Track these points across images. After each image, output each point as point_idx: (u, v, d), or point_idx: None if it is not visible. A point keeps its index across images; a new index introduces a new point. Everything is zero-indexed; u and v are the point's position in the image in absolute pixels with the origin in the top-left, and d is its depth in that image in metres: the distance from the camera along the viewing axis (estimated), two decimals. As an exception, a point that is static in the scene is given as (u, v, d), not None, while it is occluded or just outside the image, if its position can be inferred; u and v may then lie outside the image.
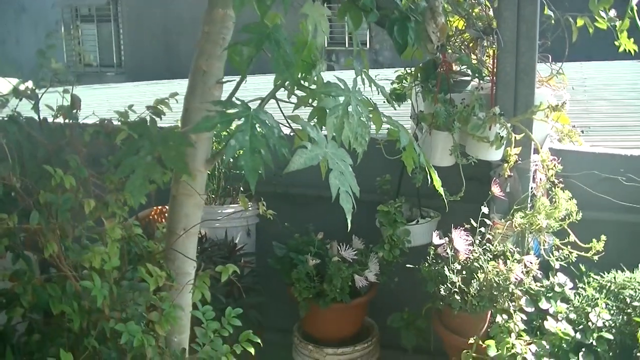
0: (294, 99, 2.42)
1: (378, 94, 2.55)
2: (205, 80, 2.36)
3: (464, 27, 4.01)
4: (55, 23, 19.31)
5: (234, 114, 2.04)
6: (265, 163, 2.00)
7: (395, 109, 2.82)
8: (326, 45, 16.48)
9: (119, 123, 2.48)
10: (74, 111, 2.57)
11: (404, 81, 4.23)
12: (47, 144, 2.44)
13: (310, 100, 2.34)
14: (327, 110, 2.17)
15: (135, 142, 2.19)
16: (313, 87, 2.37)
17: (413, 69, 4.07)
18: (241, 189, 4.41)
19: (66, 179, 2.21)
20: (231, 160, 4.16)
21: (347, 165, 2.11)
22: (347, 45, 16.23)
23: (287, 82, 2.25)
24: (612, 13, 3.77)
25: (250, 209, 4.35)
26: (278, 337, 4.35)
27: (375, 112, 2.42)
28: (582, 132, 4.09)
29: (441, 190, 2.63)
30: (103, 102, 8.18)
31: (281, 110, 2.32)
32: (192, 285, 2.40)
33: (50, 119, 2.70)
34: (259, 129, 2.03)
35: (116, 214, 2.35)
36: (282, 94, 2.39)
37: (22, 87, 2.65)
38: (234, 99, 2.20)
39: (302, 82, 2.33)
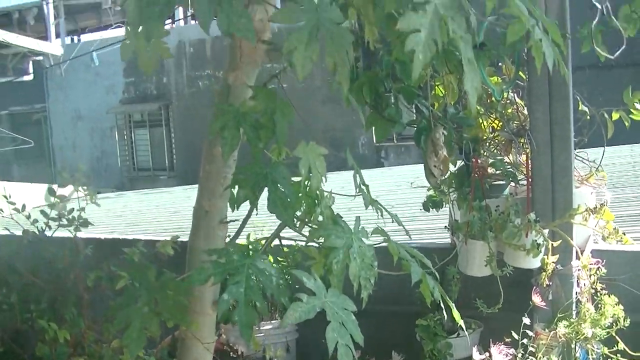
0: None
1: (392, 222, 2.47)
2: (209, 220, 2.30)
3: (498, 128, 3.91)
4: (110, 129, 19.89)
5: (229, 265, 1.97)
6: (260, 315, 1.93)
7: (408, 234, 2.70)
8: (375, 142, 16.33)
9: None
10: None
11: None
12: (52, 289, 2.40)
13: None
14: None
15: (133, 291, 2.14)
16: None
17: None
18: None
19: (60, 333, 2.15)
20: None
21: (349, 314, 2.02)
22: (395, 141, 16.05)
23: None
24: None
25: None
26: None
27: (389, 242, 2.34)
28: (616, 229, 3.88)
29: (462, 322, 2.50)
30: (152, 208, 8.30)
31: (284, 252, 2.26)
32: None
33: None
34: (255, 280, 1.96)
35: None
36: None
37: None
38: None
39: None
